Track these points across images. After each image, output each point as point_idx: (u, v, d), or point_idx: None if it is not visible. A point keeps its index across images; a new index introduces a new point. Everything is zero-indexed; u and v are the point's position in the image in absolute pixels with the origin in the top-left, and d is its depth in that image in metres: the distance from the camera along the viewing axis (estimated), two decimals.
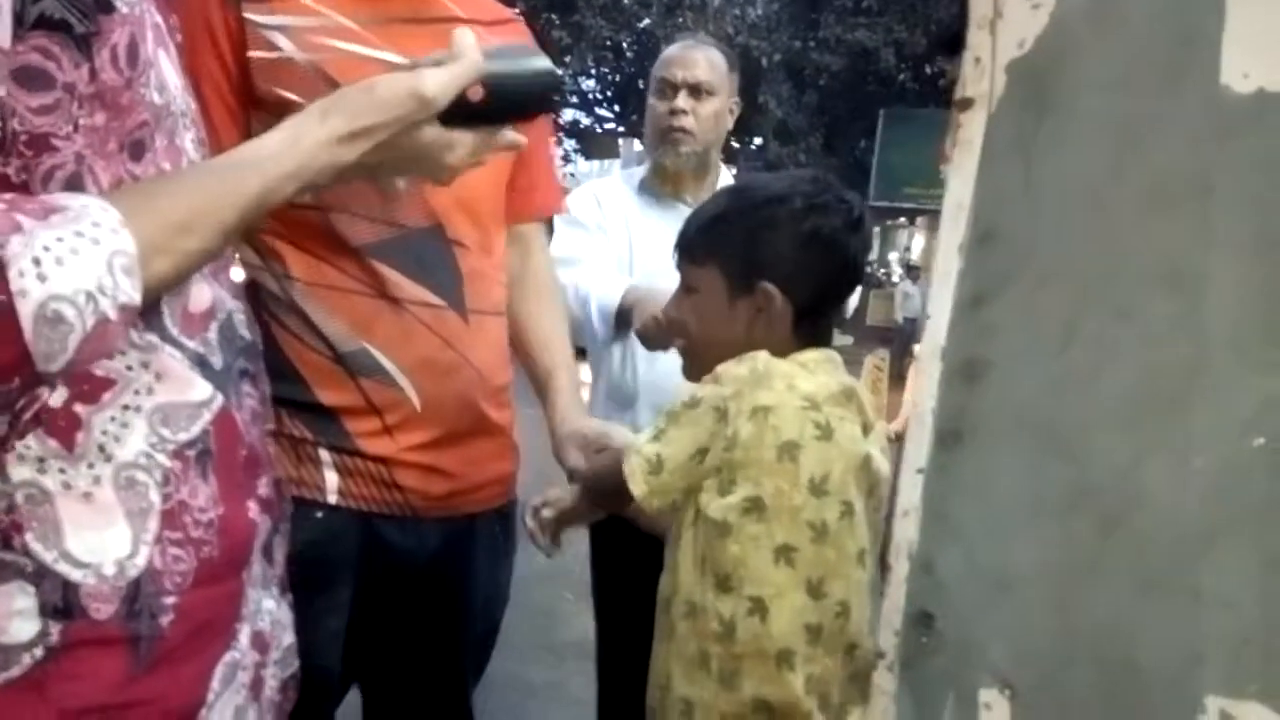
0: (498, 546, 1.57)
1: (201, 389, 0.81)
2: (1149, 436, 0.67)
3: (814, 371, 1.22)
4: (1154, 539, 0.66)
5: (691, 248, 1.30)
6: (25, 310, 0.63)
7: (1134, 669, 0.66)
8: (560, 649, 3.24)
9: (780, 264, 1.22)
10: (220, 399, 0.83)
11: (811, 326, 1.26)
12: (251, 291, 1.30)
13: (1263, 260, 0.63)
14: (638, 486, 1.18)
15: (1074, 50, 0.74)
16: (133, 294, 0.69)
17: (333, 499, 1.31)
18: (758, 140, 17.94)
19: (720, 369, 1.18)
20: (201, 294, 0.83)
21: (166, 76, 0.80)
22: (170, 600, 0.78)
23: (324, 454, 1.31)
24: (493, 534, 1.54)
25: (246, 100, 1.24)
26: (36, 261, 0.63)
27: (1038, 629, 0.73)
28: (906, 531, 0.87)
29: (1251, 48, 0.64)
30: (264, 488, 0.91)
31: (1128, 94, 0.71)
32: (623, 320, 1.92)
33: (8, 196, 0.67)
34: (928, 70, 16.47)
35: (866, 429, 1.22)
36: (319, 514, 1.31)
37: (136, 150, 0.77)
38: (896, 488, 0.91)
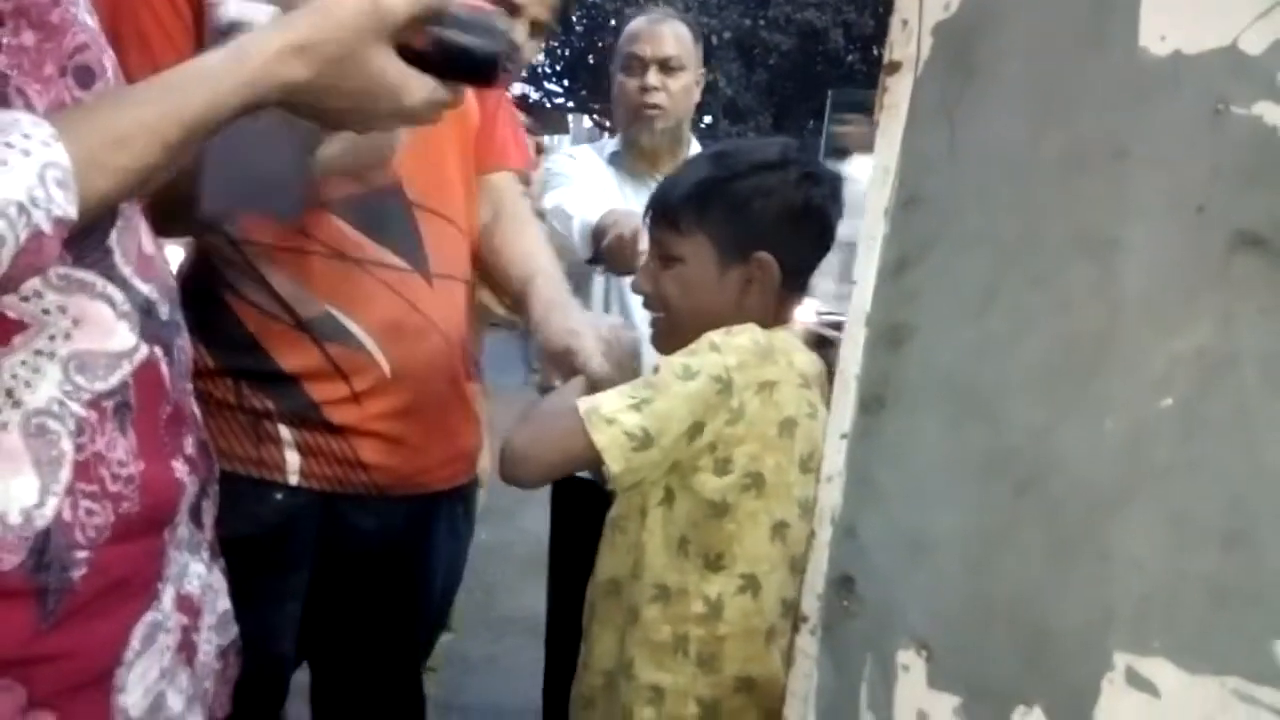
0: (458, 528, 1.56)
1: (123, 338, 0.78)
2: (1063, 400, 0.67)
3: (799, 344, 1.22)
4: (1066, 501, 0.66)
5: (675, 216, 1.23)
6: None
7: (1046, 629, 0.67)
8: (499, 624, 3.23)
9: (774, 232, 1.20)
10: (144, 351, 0.80)
11: (789, 296, 1.25)
12: (200, 258, 1.27)
13: (1175, 223, 0.63)
14: (615, 462, 1.08)
15: (998, 13, 0.74)
16: (67, 207, 0.67)
17: (294, 479, 1.28)
18: (707, 119, 17.91)
19: (711, 338, 1.14)
20: (145, 237, 0.81)
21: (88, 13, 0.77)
22: (83, 554, 0.76)
23: (285, 431, 1.27)
24: (454, 514, 1.52)
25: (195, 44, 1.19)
26: None
27: (954, 591, 0.73)
28: (831, 496, 0.87)
29: (1169, 10, 0.64)
30: (190, 447, 0.89)
31: (1049, 57, 0.71)
32: (599, 239, 1.90)
33: None
34: (875, 52, 16.54)
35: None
36: (279, 495, 1.27)
37: (84, 76, 0.74)
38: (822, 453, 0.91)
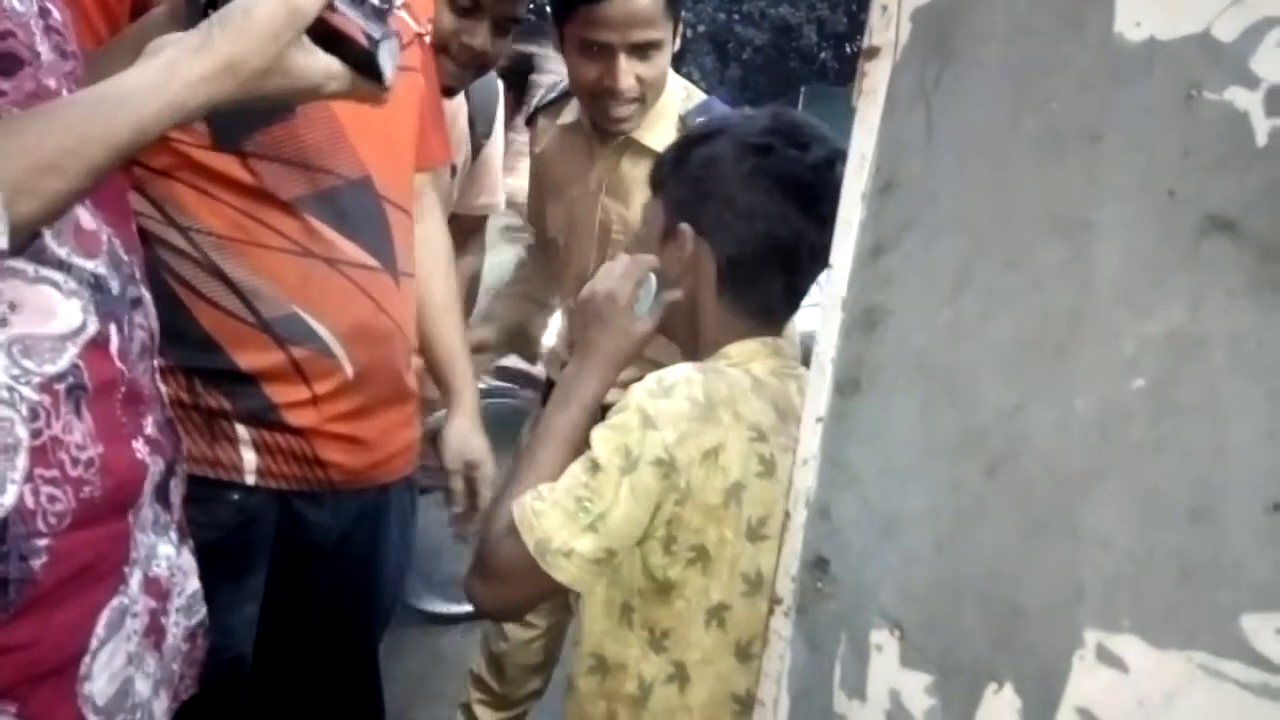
0: (406, 516, 1.55)
1: (69, 319, 0.77)
2: (1034, 380, 0.68)
3: (757, 385, 1.04)
4: (1037, 480, 0.67)
5: (653, 176, 1.15)
6: None
7: (1017, 607, 0.68)
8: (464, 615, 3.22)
9: (704, 206, 1.06)
10: (92, 329, 0.79)
11: (739, 293, 1.09)
12: (144, 248, 1.24)
13: (1147, 206, 0.64)
14: (587, 586, 0.98)
15: None
16: (1, 240, 0.67)
17: (250, 479, 1.25)
18: None
19: (641, 404, 0.98)
20: (85, 216, 0.80)
21: None
22: (43, 542, 0.75)
23: (241, 430, 1.23)
24: (402, 504, 1.51)
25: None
26: None
27: (926, 570, 0.74)
28: (805, 479, 0.87)
29: None
30: (151, 427, 0.87)
31: (1026, 41, 0.71)
32: None
33: None
34: (848, 48, 16.63)
35: None
36: (235, 496, 1.25)
37: (7, 64, 0.72)
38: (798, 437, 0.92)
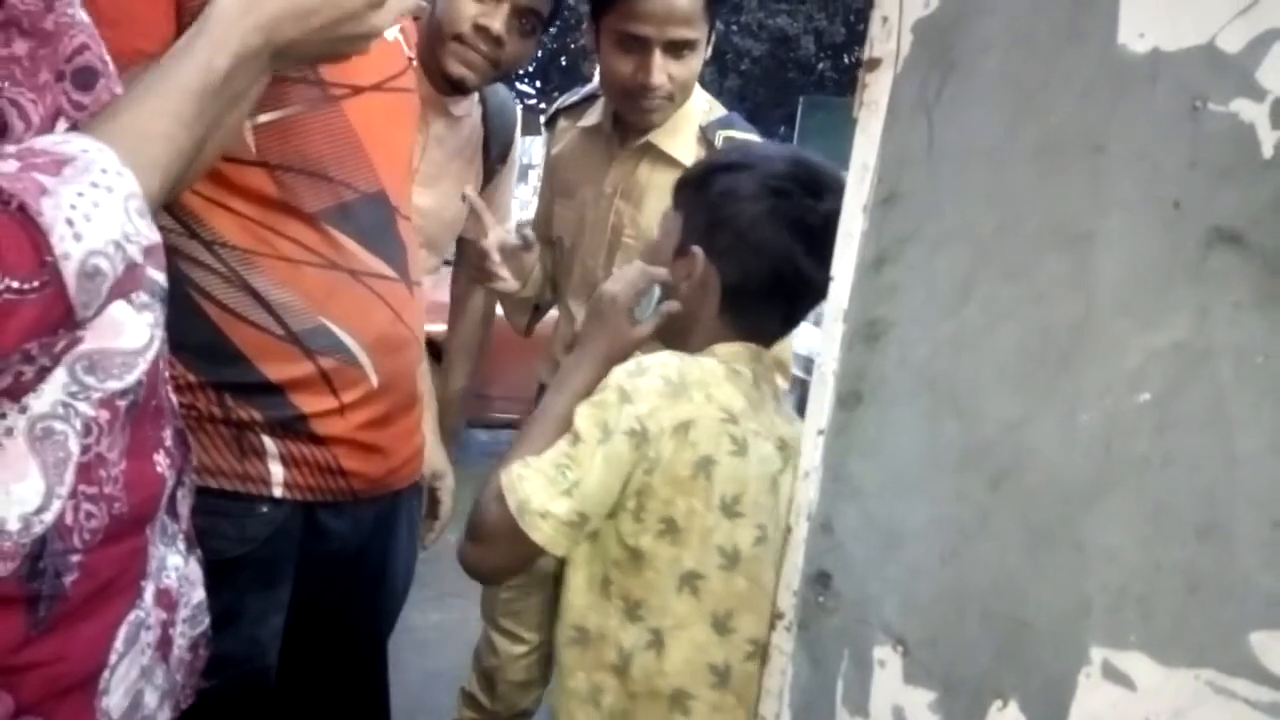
0: (415, 520, 1.56)
1: (137, 334, 0.77)
2: (1037, 393, 0.68)
3: (731, 374, 1.11)
4: (1041, 494, 0.67)
5: (677, 188, 1.22)
6: (69, 270, 0.65)
7: (1021, 622, 0.67)
8: (459, 631, 3.21)
9: (718, 234, 1.14)
10: (158, 344, 0.79)
11: (738, 315, 1.16)
12: (169, 264, 1.23)
13: (1151, 218, 0.64)
14: (561, 549, 1.04)
15: (978, 9, 0.74)
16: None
17: (278, 491, 1.25)
18: None
19: (620, 382, 1.06)
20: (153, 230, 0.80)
21: None
22: (76, 558, 0.74)
23: (269, 443, 1.24)
24: (411, 509, 1.52)
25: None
26: (70, 223, 0.65)
27: (929, 585, 0.74)
28: (807, 492, 0.87)
29: (1147, 7, 0.65)
30: (169, 438, 0.87)
31: (1027, 53, 0.71)
32: None
33: (11, 150, 0.67)
34: (846, 59, 16.68)
35: (784, 446, 1.12)
36: (264, 509, 1.25)
37: (85, 78, 0.73)
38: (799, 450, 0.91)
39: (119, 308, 0.76)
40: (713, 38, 1.78)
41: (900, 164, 0.81)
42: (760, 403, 1.13)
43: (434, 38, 1.73)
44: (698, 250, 1.14)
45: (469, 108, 1.94)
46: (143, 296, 0.78)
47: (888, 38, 0.82)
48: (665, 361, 1.09)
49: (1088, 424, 0.65)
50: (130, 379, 0.77)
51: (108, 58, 0.76)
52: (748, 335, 1.17)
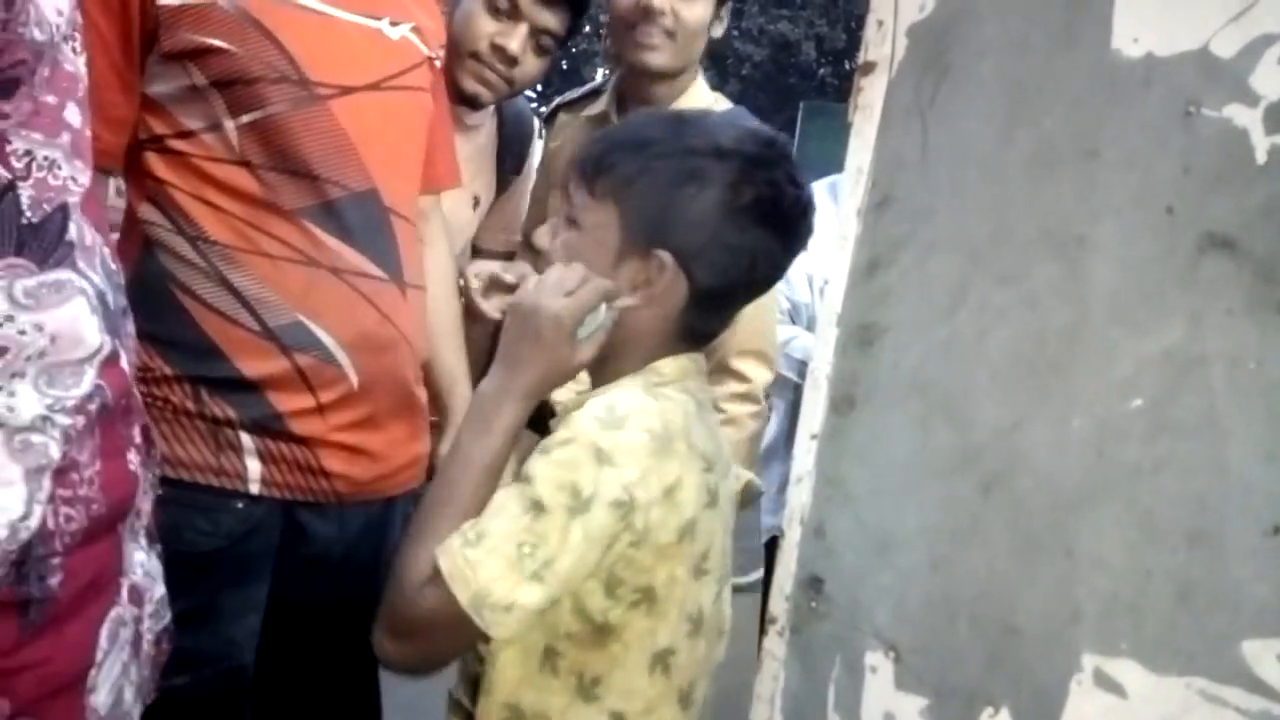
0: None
1: (88, 344, 0.77)
2: (1030, 399, 0.67)
3: (696, 406, 0.94)
4: (1032, 500, 0.66)
5: (593, 173, 0.96)
6: None
7: (1012, 629, 0.67)
8: None
9: (691, 232, 0.92)
10: (107, 349, 0.79)
11: (699, 321, 0.98)
12: (149, 256, 1.23)
13: (1144, 223, 0.63)
14: (507, 631, 0.86)
15: (972, 13, 0.74)
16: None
17: (254, 488, 1.24)
18: None
19: (592, 438, 0.87)
20: (84, 230, 0.79)
21: (49, 5, 0.75)
22: (59, 560, 0.74)
23: (245, 439, 1.22)
24: (407, 518, 1.50)
25: (142, 53, 1.16)
26: None
27: (921, 591, 0.73)
28: (800, 497, 0.87)
29: (1141, 12, 0.64)
30: (138, 436, 0.87)
31: (1021, 57, 0.71)
32: None
33: None
34: (847, 65, 16.71)
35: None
36: (240, 504, 1.23)
37: (6, 88, 0.72)
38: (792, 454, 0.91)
39: (79, 313, 0.75)
40: (725, 13, 1.73)
41: (894, 168, 0.81)
42: (721, 435, 0.98)
43: (450, 52, 1.73)
44: (665, 255, 0.92)
45: (483, 117, 1.93)
46: (94, 299, 0.77)
47: (882, 41, 0.82)
48: (644, 408, 0.89)
49: (1079, 430, 0.64)
50: (85, 385, 0.77)
51: (40, 68, 0.75)
52: (696, 340, 0.99)
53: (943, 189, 0.76)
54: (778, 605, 0.87)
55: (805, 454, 0.87)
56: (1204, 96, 0.62)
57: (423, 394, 1.42)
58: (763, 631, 0.89)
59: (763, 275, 0.97)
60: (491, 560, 0.84)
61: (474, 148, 1.92)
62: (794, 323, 2.25)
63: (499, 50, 1.69)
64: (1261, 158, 0.59)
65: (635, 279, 0.93)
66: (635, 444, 0.86)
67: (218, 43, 1.14)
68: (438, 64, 1.41)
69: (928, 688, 0.73)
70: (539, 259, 1.82)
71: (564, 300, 0.91)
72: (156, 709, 0.95)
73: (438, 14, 1.45)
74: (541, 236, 1.00)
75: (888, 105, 0.81)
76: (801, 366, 2.05)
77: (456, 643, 0.88)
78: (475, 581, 0.84)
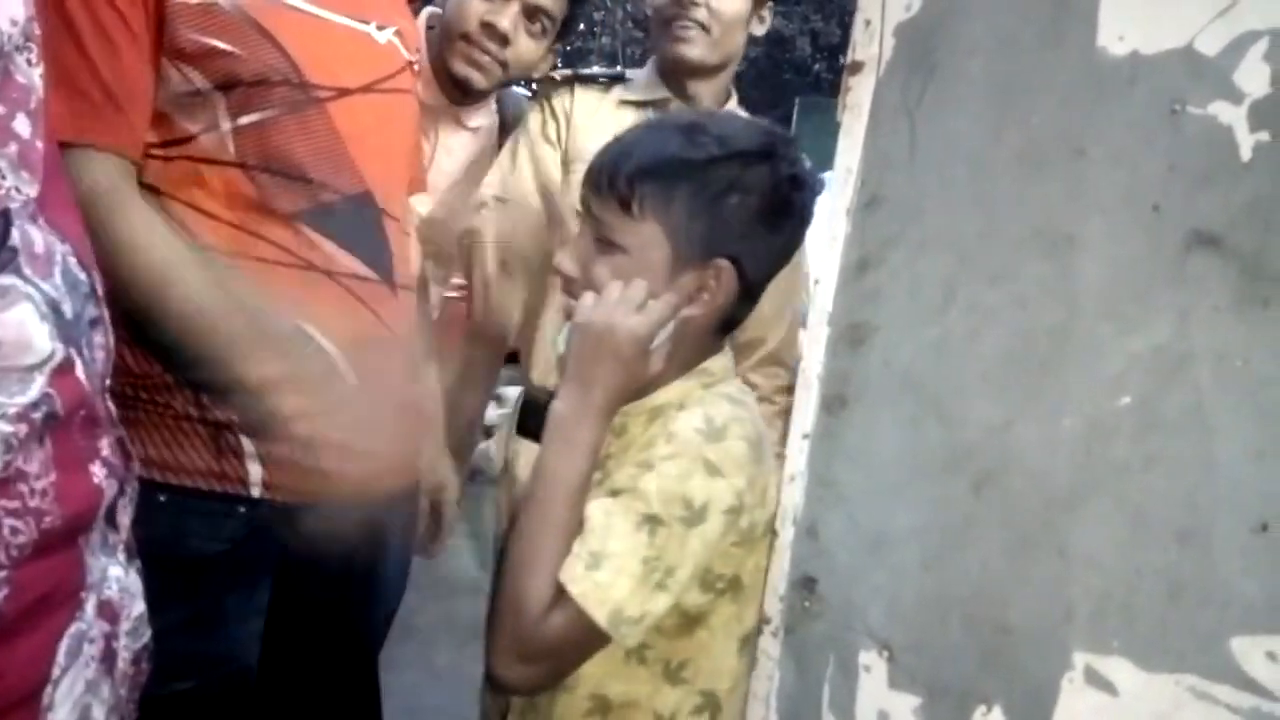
0: (407, 527, 1.54)
1: (37, 350, 0.76)
2: (1021, 398, 0.67)
3: (752, 401, 1.00)
4: (1023, 499, 0.66)
5: (626, 194, 0.98)
6: None
7: (1005, 627, 0.67)
8: (461, 631, 3.20)
9: (743, 238, 0.97)
10: (60, 356, 0.78)
11: (740, 313, 1.02)
12: None
13: (1131, 221, 0.63)
14: (637, 639, 0.92)
15: (959, 12, 0.74)
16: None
17: (256, 491, 1.24)
18: None
19: (701, 451, 0.91)
20: (37, 238, 0.78)
21: (1, 13, 0.74)
22: (4, 574, 0.73)
23: (246, 443, 1.23)
24: (404, 517, 1.51)
25: (160, 49, 1.16)
26: None
27: (913, 590, 0.73)
28: (792, 497, 0.87)
29: (1127, 11, 0.64)
30: (106, 449, 0.86)
31: (1008, 56, 0.71)
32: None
33: None
34: (842, 61, 16.69)
35: None
36: (242, 509, 1.24)
37: None
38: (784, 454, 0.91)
39: (26, 319, 0.74)
40: (766, 13, 1.73)
41: (883, 167, 0.81)
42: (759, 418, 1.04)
43: (442, 38, 1.72)
44: (722, 262, 0.96)
45: (482, 117, 1.91)
46: (43, 306, 0.76)
47: (870, 41, 0.82)
48: (737, 417, 0.94)
49: (1070, 428, 0.65)
50: (33, 392, 0.76)
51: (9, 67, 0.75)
52: (725, 333, 1.04)
53: (931, 188, 0.76)
54: (772, 605, 0.88)
55: (797, 453, 0.87)
56: (1189, 94, 0.62)
57: (415, 392, 1.43)
58: (758, 632, 0.89)
59: (786, 262, 1.02)
60: (621, 580, 0.88)
61: (477, 149, 1.90)
62: None
63: (489, 28, 1.67)
64: (1247, 155, 0.59)
65: (693, 288, 0.96)
66: (739, 453, 0.90)
67: (220, 44, 1.13)
68: (416, 69, 1.42)
69: (921, 686, 0.73)
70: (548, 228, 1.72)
71: (639, 317, 0.94)
72: (161, 714, 0.95)
73: (412, 19, 1.46)
74: (567, 264, 1.01)
75: (876, 105, 0.81)
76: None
77: (584, 658, 0.93)
78: (610, 601, 0.88)
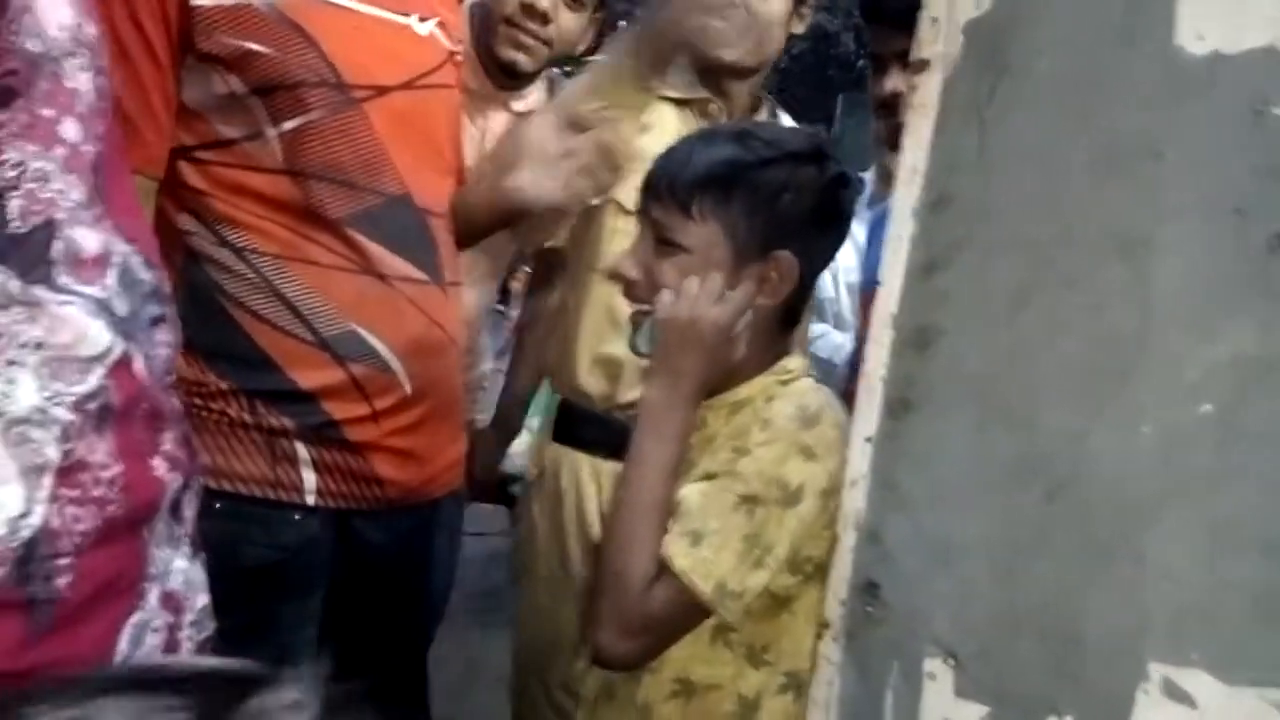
0: (454, 528, 1.54)
1: (95, 342, 0.78)
2: (1096, 405, 0.66)
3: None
4: (1099, 508, 0.65)
5: (685, 197, 1.04)
6: None
7: (1078, 638, 0.66)
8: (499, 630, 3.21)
9: (800, 233, 1.04)
10: (118, 351, 0.79)
11: (799, 303, 1.09)
12: (193, 267, 1.22)
13: (1211, 225, 0.62)
14: (737, 615, 0.97)
15: (1031, 9, 0.73)
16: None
17: (310, 499, 1.24)
18: None
19: (799, 437, 0.97)
20: (89, 241, 0.80)
21: (50, 19, 0.76)
22: (66, 561, 0.75)
23: (301, 449, 1.23)
24: (451, 517, 1.50)
25: (180, 57, 1.14)
26: None
27: (982, 598, 0.72)
28: (854, 501, 0.86)
29: (1206, 9, 0.63)
30: (169, 443, 0.87)
31: (1082, 55, 0.70)
32: None
33: None
34: None
35: None
36: (297, 516, 1.24)
37: (2, 97, 0.73)
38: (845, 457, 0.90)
39: (75, 315, 0.76)
40: (807, 13, 1.72)
41: (951, 168, 0.80)
42: None
43: (485, 27, 1.72)
44: (783, 254, 1.03)
45: (529, 101, 1.90)
46: (90, 305, 0.77)
47: (936, 39, 0.81)
48: (828, 404, 1.02)
49: (1148, 436, 0.63)
50: (92, 381, 0.77)
51: (39, 81, 0.76)
52: (790, 328, 1.11)
53: (1002, 190, 0.75)
54: (832, 610, 0.87)
55: (860, 457, 0.86)
56: (1273, 95, 0.60)
57: (462, 391, 1.43)
58: (818, 636, 0.89)
59: (835, 254, 1.14)
60: (723, 555, 0.94)
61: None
62: (820, 320, 2.21)
63: (528, 9, 1.68)
64: None
65: (757, 280, 1.03)
66: (832, 438, 0.97)
67: (256, 46, 1.13)
68: (459, 59, 1.40)
69: (989, 695, 0.72)
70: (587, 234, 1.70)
71: (720, 307, 1.01)
72: None
73: (458, 8, 1.44)
74: (629, 267, 1.07)
75: (943, 103, 0.80)
76: (825, 365, 1.99)
77: (682, 632, 0.98)
78: (714, 575, 0.93)
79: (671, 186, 1.05)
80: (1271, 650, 0.57)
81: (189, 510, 0.93)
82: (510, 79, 1.77)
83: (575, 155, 1.33)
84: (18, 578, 0.71)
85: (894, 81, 1.53)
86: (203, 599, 0.95)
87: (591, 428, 1.63)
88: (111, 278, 0.81)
